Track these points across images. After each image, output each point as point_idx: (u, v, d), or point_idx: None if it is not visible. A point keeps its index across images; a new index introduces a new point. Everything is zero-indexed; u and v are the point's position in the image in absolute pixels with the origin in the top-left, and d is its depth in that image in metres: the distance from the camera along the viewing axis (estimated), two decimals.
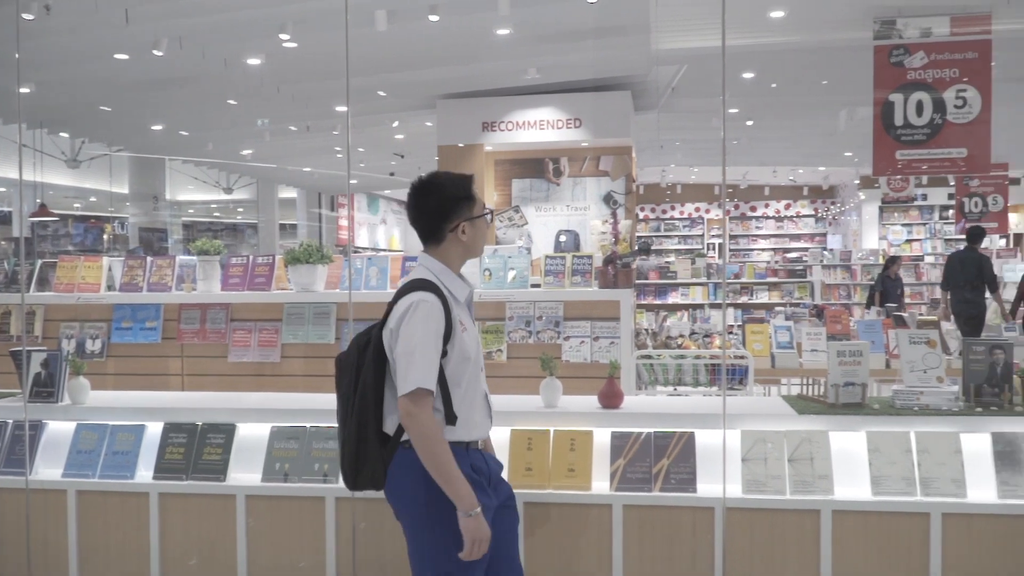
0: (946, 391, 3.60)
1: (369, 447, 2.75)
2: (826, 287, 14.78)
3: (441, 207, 2.79)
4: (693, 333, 6.39)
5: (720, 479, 3.42)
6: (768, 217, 21.63)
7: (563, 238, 10.97)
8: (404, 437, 2.73)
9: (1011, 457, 3.40)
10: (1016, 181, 15.70)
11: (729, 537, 3.42)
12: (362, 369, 2.79)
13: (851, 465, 3.50)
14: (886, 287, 11.97)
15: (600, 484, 3.59)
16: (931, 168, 6.70)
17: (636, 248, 13.61)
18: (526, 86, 10.31)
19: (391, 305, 2.77)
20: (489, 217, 2.94)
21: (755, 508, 3.42)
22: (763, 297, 14.44)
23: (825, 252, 16.17)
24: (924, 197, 18.73)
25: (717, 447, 3.47)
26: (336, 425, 2.95)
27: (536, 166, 11.39)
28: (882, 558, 3.36)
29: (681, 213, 21.93)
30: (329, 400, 4.04)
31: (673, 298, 13.67)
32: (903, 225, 19.12)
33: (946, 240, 18.70)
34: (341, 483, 3.65)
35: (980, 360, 3.66)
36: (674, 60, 9.17)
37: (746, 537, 3.41)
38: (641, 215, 21.44)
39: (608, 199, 10.96)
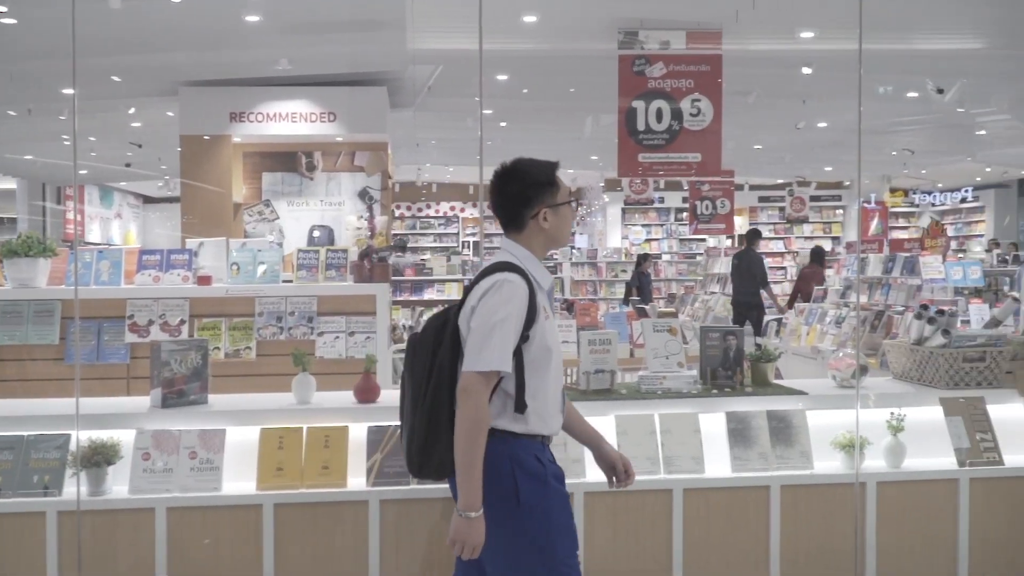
0: (686, 375, 3.84)
1: (441, 433, 2.56)
2: (575, 283, 15.52)
3: (522, 193, 2.68)
4: None
5: None
6: None
7: (317, 233, 10.68)
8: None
9: (742, 434, 3.68)
10: (740, 187, 17.27)
11: None
12: (439, 348, 2.60)
13: None
14: (641, 282, 12.95)
15: (357, 480, 3.49)
16: (670, 171, 7.18)
17: (392, 244, 13.58)
18: (278, 77, 9.90)
19: (470, 288, 2.61)
20: (575, 204, 2.80)
21: None
22: None
23: (573, 251, 17.00)
24: (662, 200, 20.19)
25: None
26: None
27: (288, 160, 10.99)
28: (630, 533, 3.53)
29: (436, 212, 22.14)
30: (51, 405, 3.66)
31: (429, 294, 13.79)
32: (643, 226, 20.52)
33: (680, 240, 20.23)
34: (64, 496, 3.31)
35: (715, 346, 3.92)
36: (430, 60, 9.18)
37: None
38: (397, 213, 21.41)
39: (364, 195, 10.80)
